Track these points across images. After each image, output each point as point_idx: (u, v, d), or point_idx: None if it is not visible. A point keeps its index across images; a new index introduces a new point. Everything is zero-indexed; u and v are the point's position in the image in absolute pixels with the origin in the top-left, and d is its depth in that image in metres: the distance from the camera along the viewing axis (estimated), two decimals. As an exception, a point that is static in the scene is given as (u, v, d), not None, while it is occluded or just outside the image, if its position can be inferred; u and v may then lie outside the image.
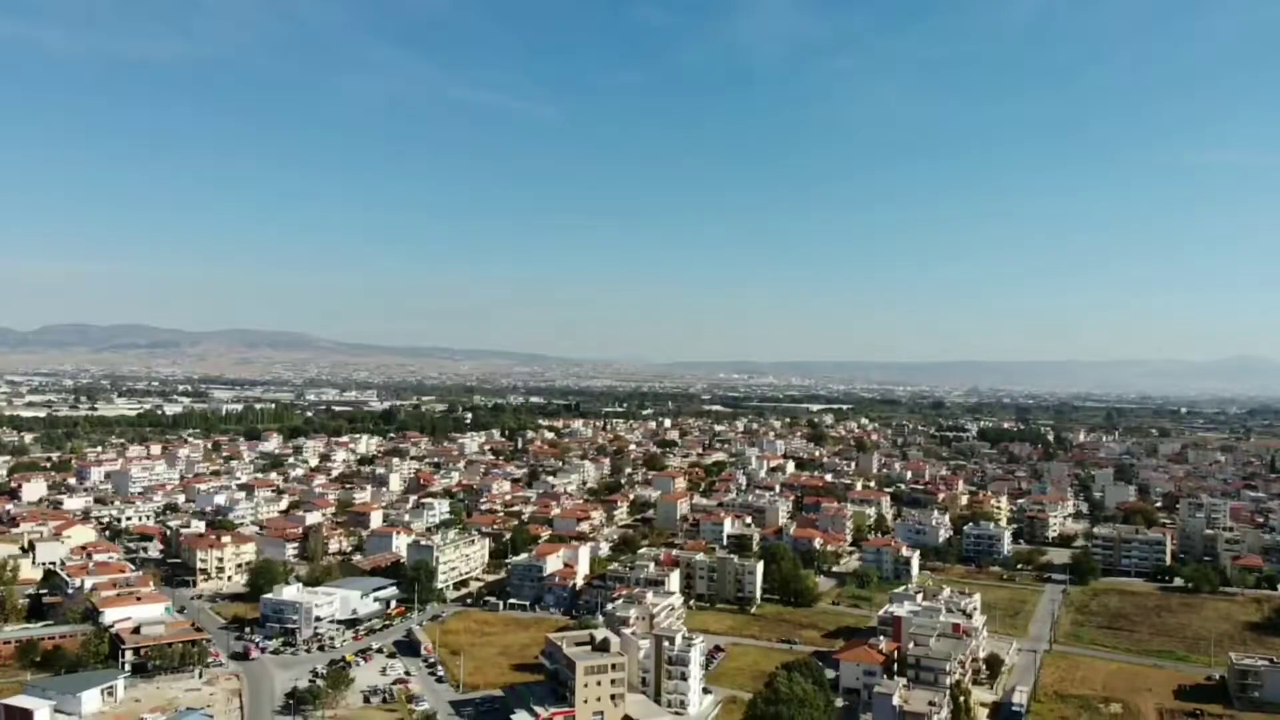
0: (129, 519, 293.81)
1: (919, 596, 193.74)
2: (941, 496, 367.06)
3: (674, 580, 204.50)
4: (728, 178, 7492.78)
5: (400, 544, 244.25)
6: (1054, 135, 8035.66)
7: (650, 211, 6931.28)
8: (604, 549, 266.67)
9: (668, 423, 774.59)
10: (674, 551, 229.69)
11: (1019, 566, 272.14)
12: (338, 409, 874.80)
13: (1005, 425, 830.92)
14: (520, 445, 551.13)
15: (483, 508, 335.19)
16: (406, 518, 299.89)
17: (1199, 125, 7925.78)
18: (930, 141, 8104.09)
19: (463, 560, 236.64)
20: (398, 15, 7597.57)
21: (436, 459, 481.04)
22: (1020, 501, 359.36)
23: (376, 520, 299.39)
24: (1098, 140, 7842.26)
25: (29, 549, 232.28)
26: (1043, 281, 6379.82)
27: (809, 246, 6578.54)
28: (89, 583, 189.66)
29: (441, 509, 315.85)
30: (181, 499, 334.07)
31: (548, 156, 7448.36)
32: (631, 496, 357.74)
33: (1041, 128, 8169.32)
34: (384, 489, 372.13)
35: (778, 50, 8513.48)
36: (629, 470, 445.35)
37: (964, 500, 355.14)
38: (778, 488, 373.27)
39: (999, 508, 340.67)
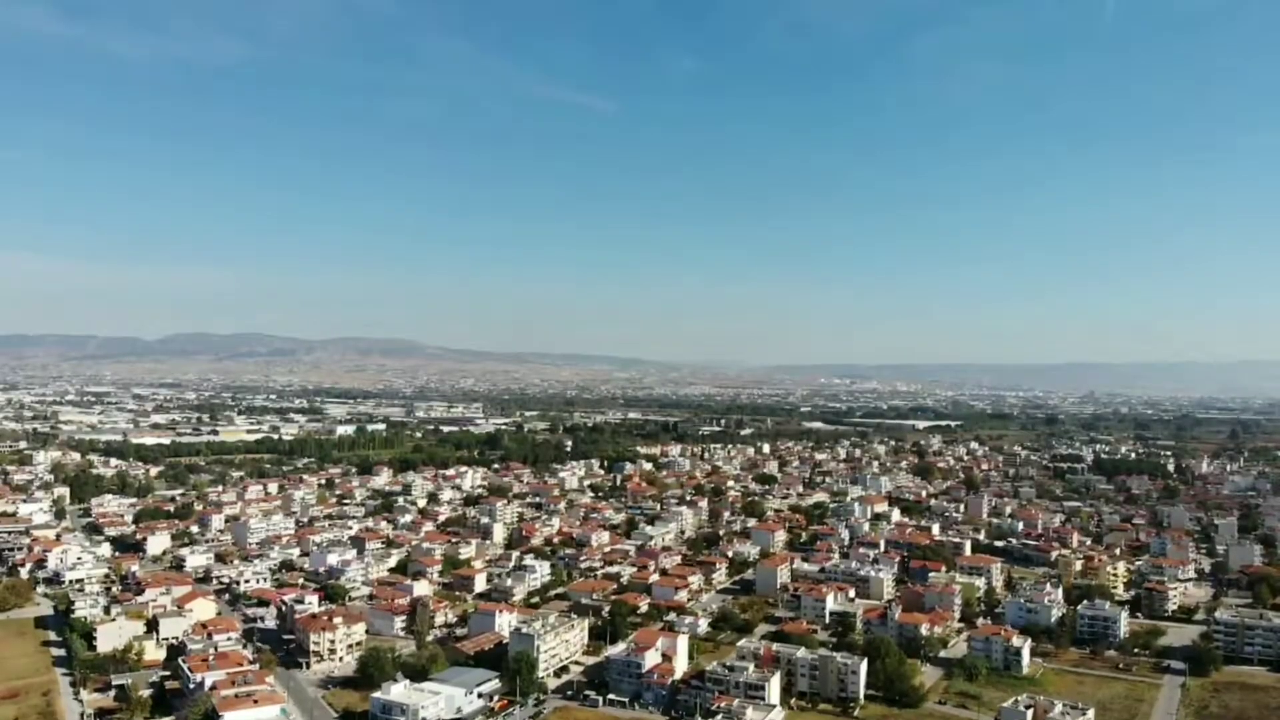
0: (247, 581, 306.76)
1: (1029, 714, 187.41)
2: (1054, 555, 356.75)
3: (774, 685, 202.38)
4: (825, 165, 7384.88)
5: (503, 624, 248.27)
6: (1179, 121, 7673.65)
7: (745, 208, 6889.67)
8: (702, 625, 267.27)
9: (766, 448, 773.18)
10: (775, 646, 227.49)
11: (1135, 651, 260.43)
12: (445, 428, 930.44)
13: (1122, 450, 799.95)
14: (618, 482, 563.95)
15: (582, 565, 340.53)
16: (509, 582, 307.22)
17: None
18: (1045, 123, 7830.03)
19: (562, 645, 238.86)
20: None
21: (538, 497, 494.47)
22: (1138, 564, 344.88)
23: (481, 583, 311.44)
24: (1205, 127, 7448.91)
25: (152, 625, 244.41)
26: (1153, 278, 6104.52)
27: (916, 243, 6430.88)
28: (208, 680, 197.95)
29: (543, 571, 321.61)
30: (296, 552, 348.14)
31: (632, 156, 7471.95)
32: (730, 554, 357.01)
33: (1169, 114, 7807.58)
34: (487, 541, 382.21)
35: (857, 31, 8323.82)
36: (727, 515, 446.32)
37: (1078, 566, 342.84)
38: (882, 544, 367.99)
39: (1114, 574, 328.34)
